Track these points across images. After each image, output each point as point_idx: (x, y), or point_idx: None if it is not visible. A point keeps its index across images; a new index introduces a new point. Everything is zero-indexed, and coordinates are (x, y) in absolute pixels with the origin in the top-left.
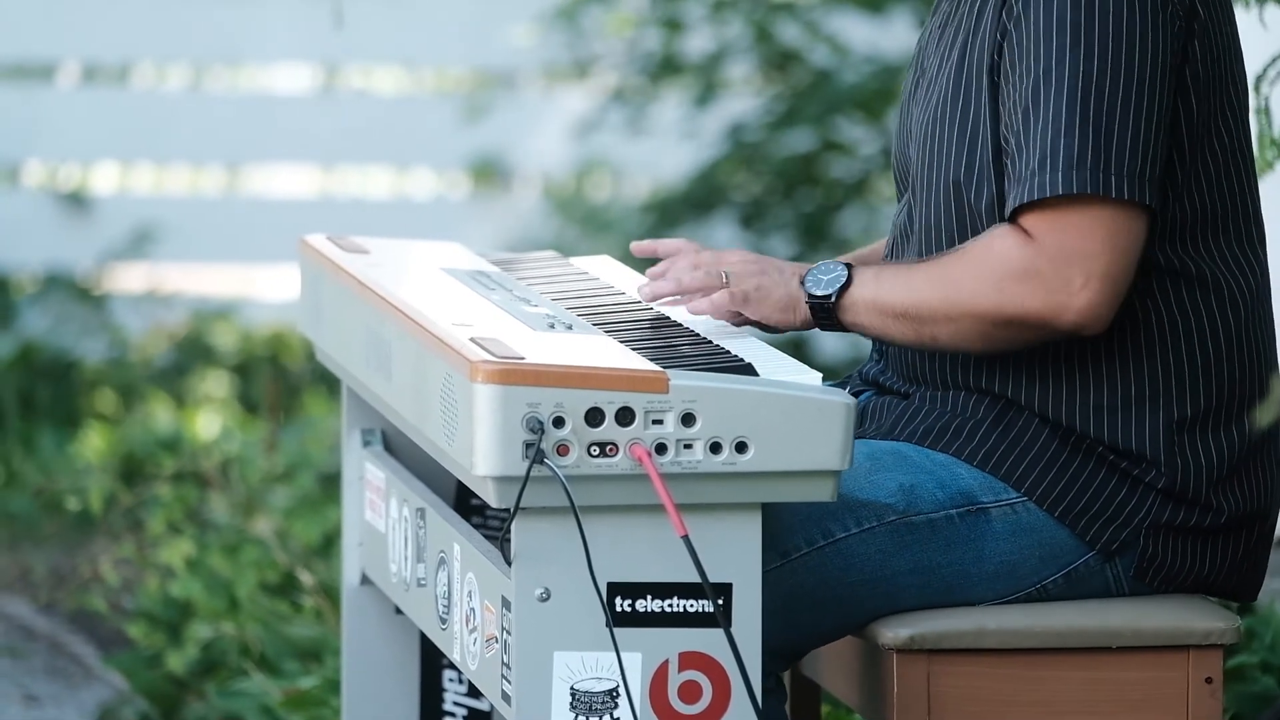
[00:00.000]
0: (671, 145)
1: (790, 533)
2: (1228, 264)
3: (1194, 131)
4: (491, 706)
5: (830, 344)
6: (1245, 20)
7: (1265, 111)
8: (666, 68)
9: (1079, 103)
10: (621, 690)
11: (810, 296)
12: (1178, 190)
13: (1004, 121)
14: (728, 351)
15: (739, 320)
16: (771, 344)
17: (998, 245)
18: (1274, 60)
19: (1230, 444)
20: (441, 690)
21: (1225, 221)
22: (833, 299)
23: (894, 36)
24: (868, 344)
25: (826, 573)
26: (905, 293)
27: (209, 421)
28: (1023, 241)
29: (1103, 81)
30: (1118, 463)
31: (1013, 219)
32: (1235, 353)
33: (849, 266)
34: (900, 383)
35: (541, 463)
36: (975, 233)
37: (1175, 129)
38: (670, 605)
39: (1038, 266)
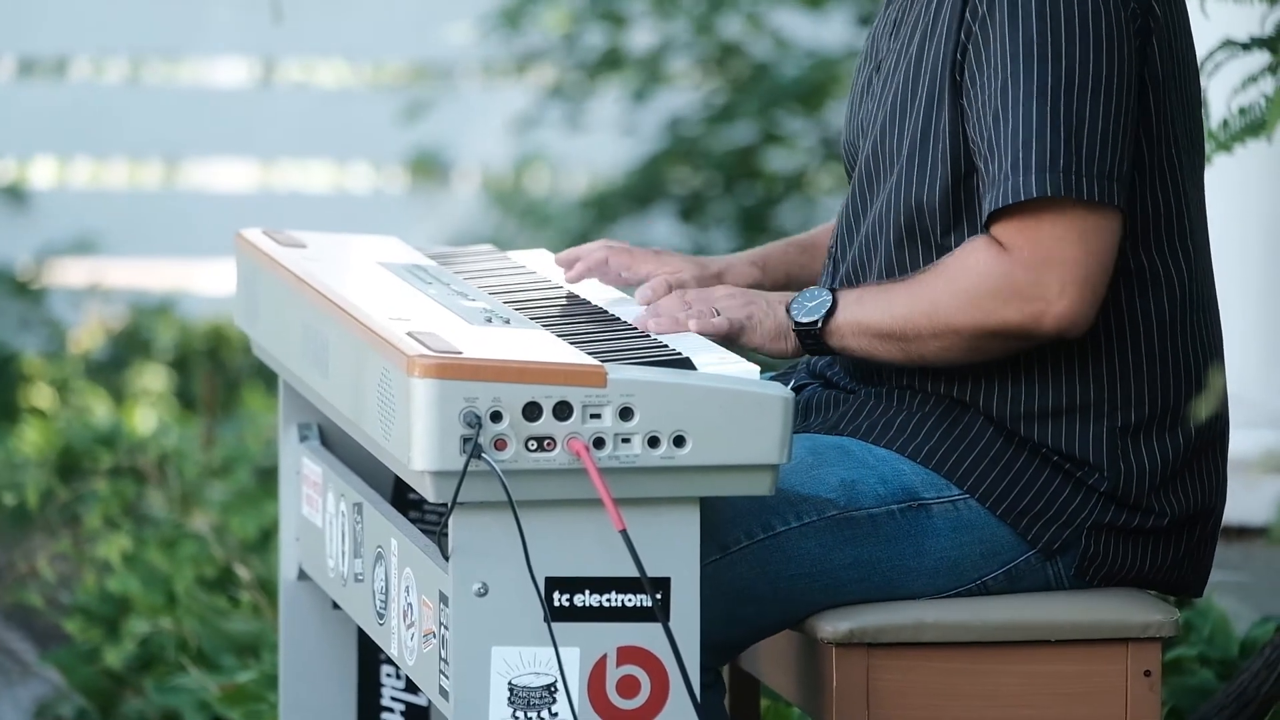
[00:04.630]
0: (610, 140)
1: (730, 526)
2: (1179, 263)
3: (1155, 132)
4: (429, 702)
5: None
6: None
7: (1204, 104)
8: (607, 62)
9: (1049, 105)
10: (560, 685)
11: (797, 324)
12: (1140, 191)
13: (971, 123)
14: (665, 345)
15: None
16: (710, 337)
17: (973, 261)
18: (1212, 53)
19: (1175, 447)
20: (379, 685)
21: (1181, 221)
22: (819, 325)
23: (834, 30)
24: None
25: (766, 566)
26: (889, 314)
27: (146, 416)
28: (998, 255)
29: (1071, 83)
30: (1061, 464)
31: (988, 225)
32: (1181, 353)
33: (833, 292)
34: (847, 379)
35: (479, 457)
36: (926, 227)
37: (1139, 130)
38: (608, 600)
39: (1014, 279)
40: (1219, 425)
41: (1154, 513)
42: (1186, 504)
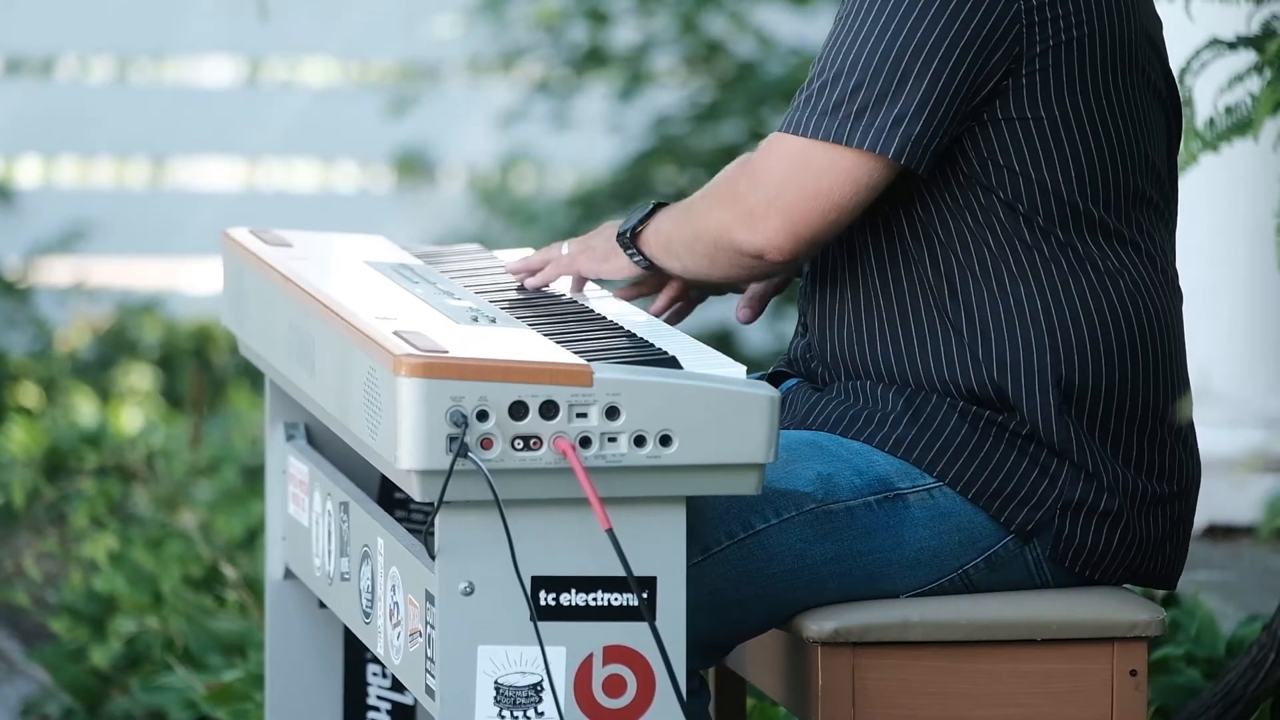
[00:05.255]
0: (597, 137)
1: (710, 527)
2: (1112, 244)
3: (1055, 110)
4: (415, 701)
5: (756, 337)
6: (1170, 10)
7: (1189, 103)
8: (592, 59)
9: (857, 47)
10: (546, 684)
11: (618, 233)
12: (1050, 162)
13: None
14: (652, 344)
15: (578, 280)
16: (697, 337)
17: (731, 165)
18: (1197, 53)
19: (1130, 421)
20: (365, 684)
21: (1110, 208)
22: (629, 232)
23: (819, 28)
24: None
25: (748, 565)
26: (673, 219)
27: (133, 415)
28: (741, 162)
29: (885, 31)
30: (1026, 445)
31: None
32: (1126, 329)
33: (659, 205)
34: (817, 364)
35: (465, 456)
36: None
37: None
38: (594, 599)
39: (737, 183)
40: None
41: (1122, 492)
42: (1157, 483)
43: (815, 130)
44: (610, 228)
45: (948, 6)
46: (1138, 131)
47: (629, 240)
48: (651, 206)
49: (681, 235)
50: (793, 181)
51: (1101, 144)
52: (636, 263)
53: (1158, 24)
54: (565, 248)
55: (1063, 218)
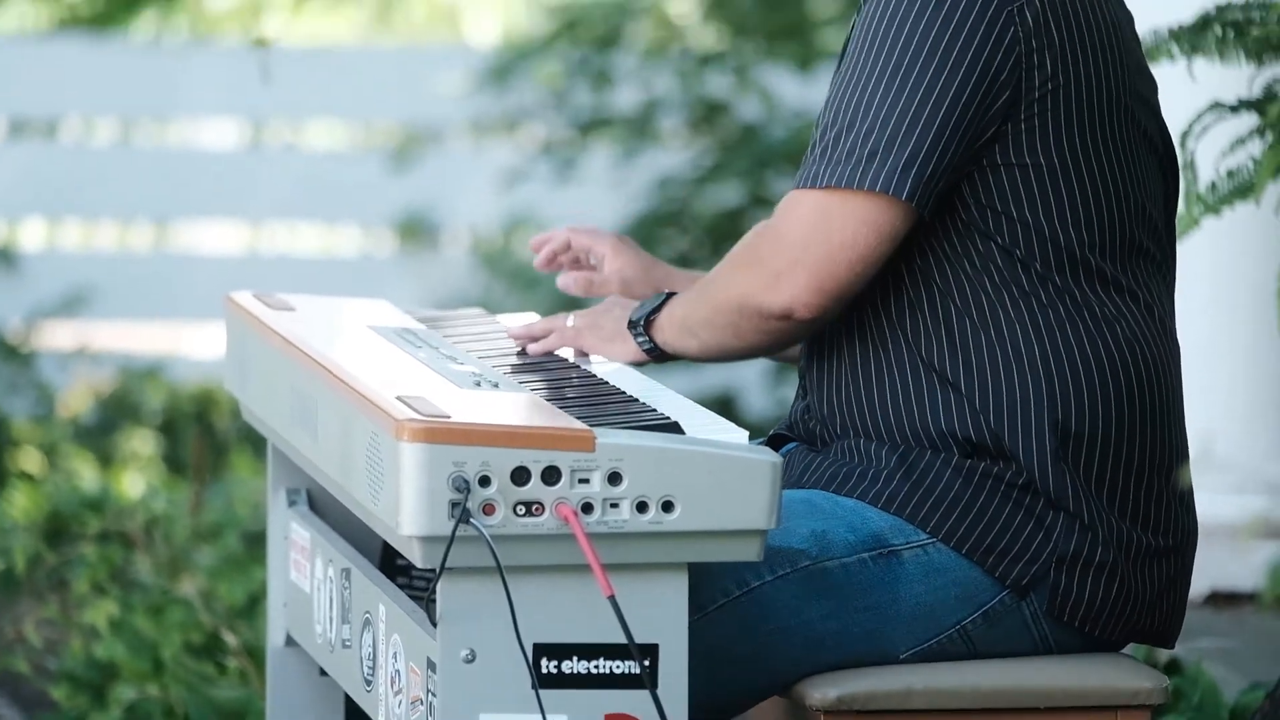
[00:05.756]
0: (599, 198)
1: (706, 585)
2: (1109, 292)
3: (1055, 157)
4: None
5: (758, 402)
6: (1172, 72)
7: (1191, 166)
8: (595, 120)
9: (858, 96)
10: None
11: (630, 321)
12: (1047, 211)
13: None
14: (654, 410)
15: (581, 353)
16: (698, 402)
17: (749, 233)
18: (1199, 116)
19: (1126, 470)
20: None
21: (1107, 255)
22: (643, 320)
23: (823, 90)
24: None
25: (745, 623)
26: (689, 301)
27: (134, 481)
28: (761, 227)
29: (894, 77)
30: (1021, 498)
31: None
32: (1124, 377)
33: (672, 295)
34: (816, 424)
35: (467, 522)
36: None
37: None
38: (596, 666)
39: (759, 247)
40: (1174, 458)
41: (1117, 544)
42: (1151, 537)
43: (829, 179)
44: (620, 309)
45: (953, 50)
46: (1133, 181)
47: (641, 328)
48: (665, 296)
49: (699, 313)
50: (815, 236)
51: (1099, 191)
52: (645, 349)
53: (1152, 85)
54: (571, 320)
55: (1059, 264)
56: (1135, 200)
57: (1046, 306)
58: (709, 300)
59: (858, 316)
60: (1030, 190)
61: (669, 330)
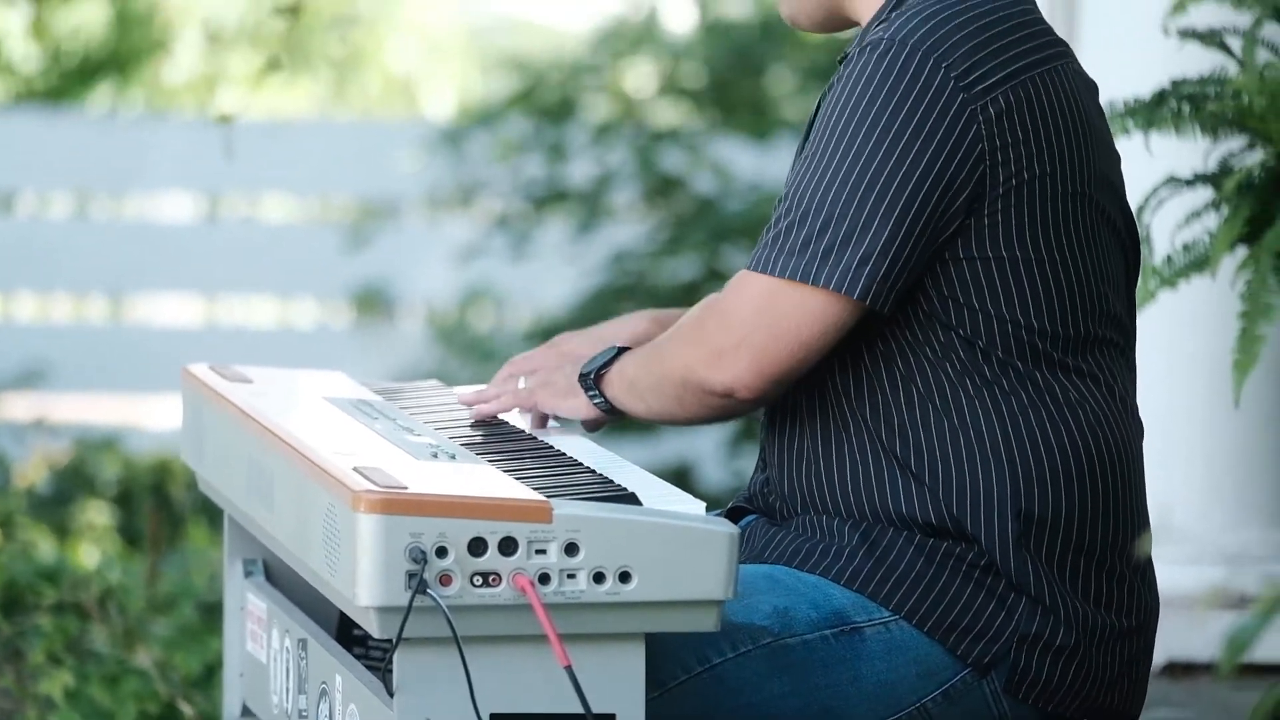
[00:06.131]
0: (555, 272)
1: (667, 661)
2: (1070, 377)
3: (1017, 250)
4: None
5: (714, 473)
6: (1128, 147)
7: (1147, 240)
8: (551, 194)
9: (822, 184)
10: None
11: (580, 375)
12: (1009, 303)
13: None
14: (611, 481)
15: (538, 416)
16: (655, 473)
17: (697, 305)
18: (1154, 190)
19: (1089, 554)
20: None
21: (1075, 333)
22: (592, 373)
23: (779, 162)
24: (751, 472)
25: (706, 700)
26: (638, 362)
27: (90, 552)
28: (710, 300)
29: (850, 172)
30: (983, 578)
31: None
32: (1085, 461)
33: (623, 349)
34: (775, 498)
35: (424, 593)
36: None
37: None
38: None
39: (706, 323)
40: (1137, 538)
41: (1080, 627)
42: (1115, 619)
43: (782, 270)
44: (571, 365)
45: (912, 148)
46: (1096, 270)
47: (591, 382)
48: (616, 350)
49: (648, 377)
50: (761, 320)
51: (1060, 282)
52: (596, 404)
53: (1116, 160)
54: (522, 381)
55: (1021, 352)
56: (1097, 289)
57: (1009, 393)
58: (656, 367)
59: (819, 394)
60: (992, 283)
61: (618, 387)
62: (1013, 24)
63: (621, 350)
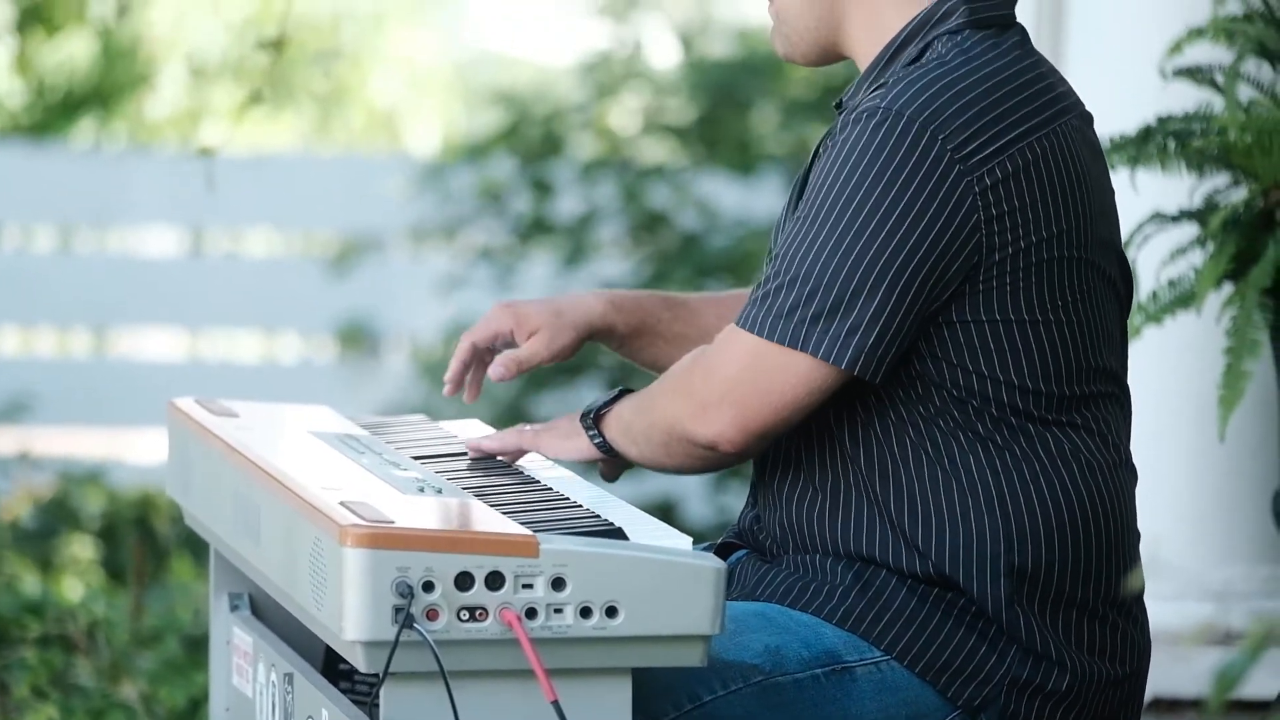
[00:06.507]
0: None
1: (657, 698)
2: (1064, 430)
3: (1012, 314)
4: None
5: (698, 509)
6: (1114, 183)
7: (1134, 275)
8: (536, 228)
9: (815, 248)
10: None
11: (582, 415)
12: (1004, 365)
13: None
14: (598, 515)
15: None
16: (640, 508)
17: (687, 356)
18: (1140, 226)
19: (1082, 605)
20: None
21: (1070, 391)
22: (593, 413)
23: (763, 198)
24: (736, 509)
25: None
26: (634, 406)
27: (74, 586)
28: (700, 352)
29: (843, 240)
30: (975, 622)
31: None
32: (1079, 513)
33: (626, 391)
34: (766, 536)
35: (411, 627)
36: None
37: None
38: None
39: (692, 374)
40: (1136, 593)
41: (1072, 673)
42: (1108, 666)
43: (770, 332)
44: (577, 412)
45: (906, 219)
46: (1091, 332)
47: (592, 421)
48: (618, 392)
49: (639, 423)
50: (745, 378)
51: (1056, 343)
52: (597, 444)
53: (1114, 215)
54: (528, 428)
55: (1015, 409)
56: (1092, 347)
57: (1003, 448)
58: (647, 415)
59: (811, 437)
60: (986, 346)
61: (615, 429)
62: (1013, 86)
63: (625, 391)
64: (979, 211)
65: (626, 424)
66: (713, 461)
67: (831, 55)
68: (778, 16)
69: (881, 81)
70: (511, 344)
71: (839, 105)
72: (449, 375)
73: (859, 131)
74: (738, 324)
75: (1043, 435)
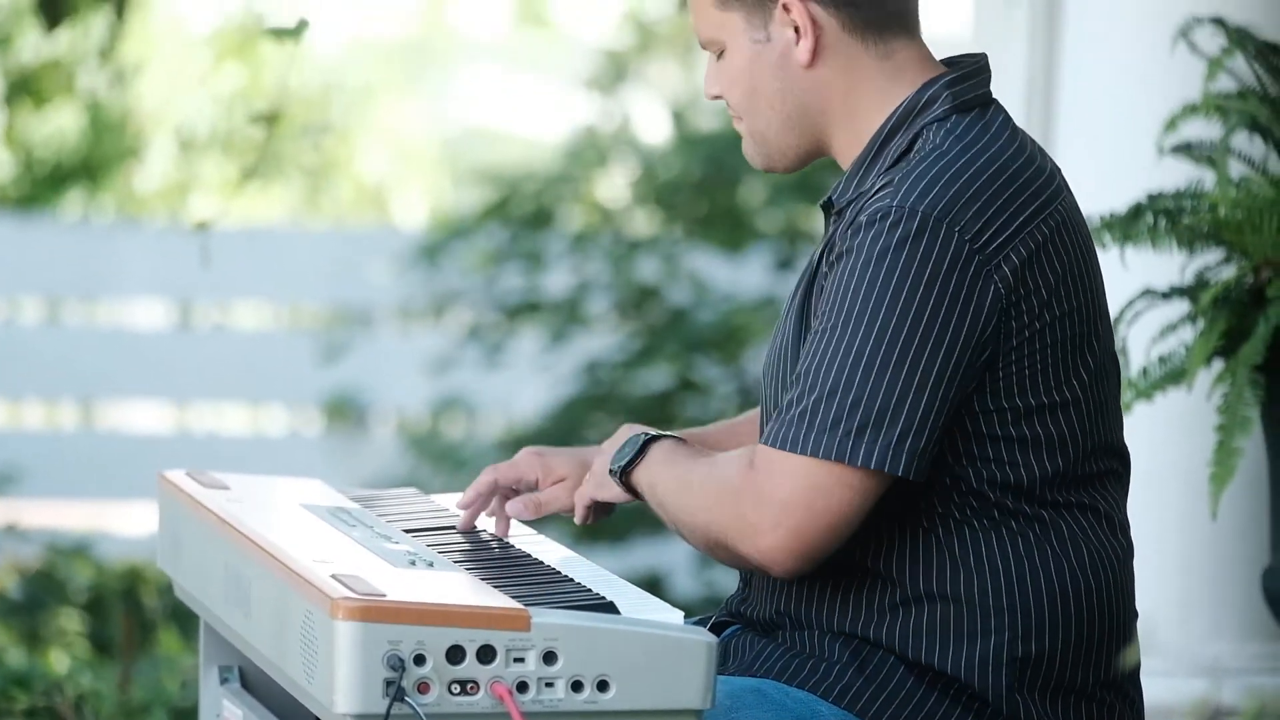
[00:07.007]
0: (528, 381)
1: None
2: (1073, 513)
3: (1030, 399)
4: None
5: (686, 584)
6: (1104, 260)
7: (1124, 352)
8: (524, 305)
9: (846, 360)
10: None
11: (610, 469)
12: (1022, 449)
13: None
14: (589, 589)
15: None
16: (632, 582)
17: (731, 469)
18: (1131, 302)
19: (1082, 688)
20: None
21: (1081, 471)
22: (619, 471)
23: (752, 275)
24: (727, 584)
25: None
26: (668, 485)
27: (60, 658)
28: (745, 472)
29: (879, 346)
30: (971, 703)
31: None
32: (1085, 599)
33: (648, 442)
34: (760, 613)
35: (402, 700)
36: None
37: (1008, 398)
38: None
39: (742, 500)
40: (1131, 670)
41: None
42: None
43: (816, 449)
44: (609, 454)
45: (937, 318)
46: (1101, 408)
47: (618, 479)
48: (642, 444)
49: (677, 512)
50: (799, 501)
51: (1072, 424)
52: (629, 491)
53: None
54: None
55: (1030, 495)
56: (1104, 423)
57: (1016, 534)
58: (686, 509)
59: None
60: (1008, 433)
61: (644, 488)
62: (1013, 170)
63: (648, 442)
64: (1001, 299)
65: (660, 501)
66: (758, 573)
67: (813, 159)
68: (753, 137)
69: (885, 181)
70: (533, 487)
71: (827, 204)
72: (463, 503)
73: (874, 234)
74: (776, 445)
75: (1054, 520)
